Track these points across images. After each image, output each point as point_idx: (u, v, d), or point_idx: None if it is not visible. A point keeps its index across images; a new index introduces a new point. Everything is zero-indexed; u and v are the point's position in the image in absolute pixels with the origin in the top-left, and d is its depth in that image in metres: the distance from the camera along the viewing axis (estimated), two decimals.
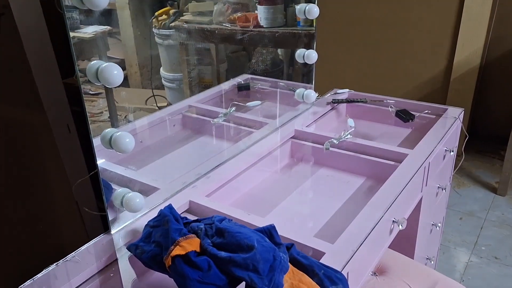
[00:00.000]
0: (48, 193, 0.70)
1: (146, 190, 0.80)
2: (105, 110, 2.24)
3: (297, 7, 1.05)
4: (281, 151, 0.99)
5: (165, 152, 1.03)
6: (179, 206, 0.74)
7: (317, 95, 1.14)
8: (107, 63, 0.58)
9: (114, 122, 2.25)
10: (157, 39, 2.13)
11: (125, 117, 2.60)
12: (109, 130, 0.64)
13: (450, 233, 1.66)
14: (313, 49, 1.10)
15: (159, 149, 1.04)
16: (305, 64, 1.10)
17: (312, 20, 1.13)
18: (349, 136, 0.97)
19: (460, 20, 1.97)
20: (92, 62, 0.59)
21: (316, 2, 1.06)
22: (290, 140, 1.02)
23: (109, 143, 0.63)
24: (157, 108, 2.58)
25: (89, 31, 2.14)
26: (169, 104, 2.65)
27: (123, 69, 2.34)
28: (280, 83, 1.29)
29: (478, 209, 1.79)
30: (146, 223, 0.63)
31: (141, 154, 1.02)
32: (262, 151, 0.94)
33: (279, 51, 1.91)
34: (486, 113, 2.24)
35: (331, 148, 0.95)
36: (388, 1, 1.97)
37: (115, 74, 0.58)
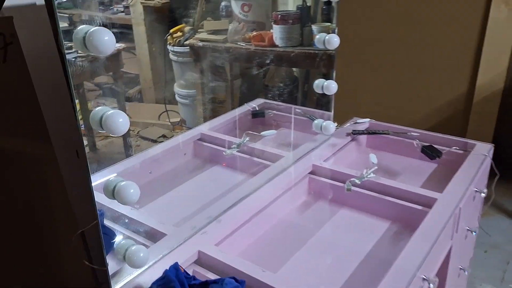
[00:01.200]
0: (50, 235, 0.64)
1: (152, 235, 0.74)
2: None
3: (317, 36, 0.99)
4: (298, 188, 0.93)
5: (174, 185, 0.97)
6: (187, 257, 0.68)
7: (336, 125, 1.08)
8: (112, 111, 0.53)
9: (126, 137, 2.20)
10: (171, 56, 2.09)
11: (138, 132, 2.55)
12: (113, 179, 0.58)
13: (475, 268, 1.57)
14: (333, 79, 1.04)
15: (168, 181, 0.99)
16: (324, 94, 1.04)
17: None
18: (372, 174, 0.90)
19: (483, 42, 1.89)
20: (96, 109, 0.54)
21: (336, 31, 1.00)
22: (308, 176, 0.95)
23: (112, 193, 0.58)
24: (169, 123, 2.54)
25: None
26: (182, 119, 2.60)
27: (136, 84, 2.30)
28: (297, 109, 1.23)
29: (503, 241, 1.70)
30: (150, 285, 0.57)
31: (149, 186, 0.96)
32: (277, 189, 0.88)
33: (294, 68, 1.86)
34: (509, 137, 2.14)
35: (353, 188, 0.88)
36: (407, 23, 1.90)
37: (120, 122, 0.53)
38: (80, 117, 1.72)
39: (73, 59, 1.72)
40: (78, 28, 0.50)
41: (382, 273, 0.65)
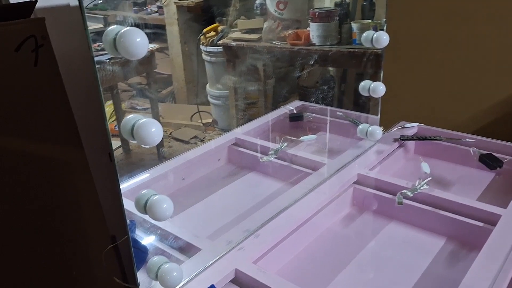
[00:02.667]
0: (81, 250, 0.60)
1: (185, 249, 0.69)
2: None
3: (364, 35, 0.91)
4: (341, 200, 0.85)
5: (207, 192, 0.92)
6: (223, 276, 0.62)
7: (382, 130, 1.00)
8: (144, 119, 0.47)
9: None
10: (204, 56, 2.04)
11: (170, 133, 2.53)
12: (145, 193, 0.53)
13: None
14: (380, 80, 0.96)
15: (202, 188, 0.94)
16: (369, 96, 0.96)
17: None
18: (425, 186, 0.81)
19: None
20: (128, 117, 0.49)
21: (385, 28, 0.92)
22: (352, 187, 0.88)
23: (144, 208, 0.53)
24: (201, 124, 2.51)
25: None
26: (214, 120, 2.57)
27: (169, 84, 2.27)
28: (338, 113, 1.16)
29: None
30: None
31: (181, 193, 0.92)
32: (320, 200, 0.81)
33: (331, 68, 1.77)
34: None
35: (404, 201, 0.80)
36: (457, 21, 1.77)
37: (153, 132, 0.47)
38: (113, 118, 1.69)
39: (107, 60, 1.69)
40: (109, 28, 0.45)
41: None
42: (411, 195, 0.80)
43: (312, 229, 0.78)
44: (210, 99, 2.34)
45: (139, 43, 0.44)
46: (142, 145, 0.48)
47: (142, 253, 0.62)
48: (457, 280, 0.61)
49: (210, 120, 2.48)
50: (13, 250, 0.59)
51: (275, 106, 2.05)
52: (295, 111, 1.17)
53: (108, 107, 2.20)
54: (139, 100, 2.53)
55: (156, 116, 2.15)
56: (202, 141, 2.34)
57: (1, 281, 0.59)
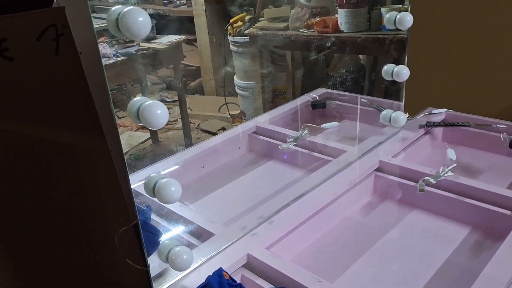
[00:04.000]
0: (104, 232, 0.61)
1: (200, 234, 0.70)
2: (179, 118, 2.18)
3: (387, 16, 0.88)
4: (362, 187, 0.83)
5: (226, 180, 0.92)
6: (235, 261, 0.62)
7: (407, 116, 0.96)
8: (150, 101, 0.48)
9: (186, 130, 2.19)
10: (231, 47, 2.04)
11: (198, 125, 2.54)
12: (154, 176, 0.54)
13: None
14: (404, 64, 0.92)
15: (221, 176, 0.94)
16: (394, 81, 0.93)
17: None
18: (449, 173, 0.78)
19: None
20: (134, 99, 0.49)
21: (409, 9, 0.88)
22: (374, 174, 0.85)
23: (153, 191, 0.53)
24: (229, 116, 2.50)
25: (164, 41, 2.09)
26: (242, 112, 2.56)
27: (198, 76, 2.27)
28: (362, 99, 1.12)
29: None
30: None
31: (201, 181, 0.92)
32: (338, 187, 0.79)
33: (361, 56, 1.73)
34: None
35: (426, 188, 0.77)
36: (489, 2, 1.68)
37: (158, 114, 0.47)
38: None
39: (134, 52, 1.71)
40: (112, 9, 0.45)
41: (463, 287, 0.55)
42: (434, 182, 0.77)
43: (330, 216, 0.77)
44: (237, 90, 2.35)
45: (141, 22, 0.44)
46: (149, 127, 0.48)
47: (155, 236, 0.63)
48: (480, 271, 0.58)
49: (238, 112, 2.49)
50: (36, 238, 0.61)
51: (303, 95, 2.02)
52: (318, 99, 1.15)
53: None
54: (168, 92, 2.57)
55: (184, 109, 2.17)
56: None
57: (25, 266, 0.61)
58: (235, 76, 2.31)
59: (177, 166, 0.90)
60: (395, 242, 0.72)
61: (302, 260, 0.69)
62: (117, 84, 2.00)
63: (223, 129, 2.22)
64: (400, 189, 0.82)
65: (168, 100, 2.37)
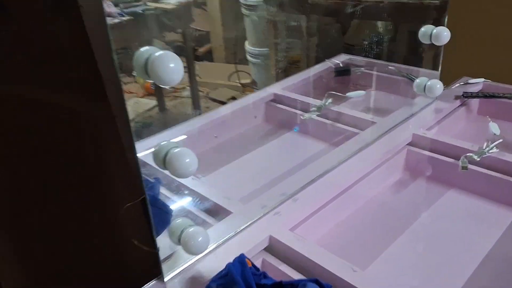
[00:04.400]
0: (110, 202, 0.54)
1: (215, 212, 0.62)
2: (188, 86, 2.09)
3: None
4: (392, 163, 0.75)
5: (242, 152, 0.84)
6: (256, 243, 0.55)
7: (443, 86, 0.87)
8: (161, 52, 0.39)
9: (194, 98, 2.10)
10: (243, 10, 1.91)
11: (207, 93, 2.45)
12: (164, 145, 0.46)
13: None
14: (444, 25, 0.82)
15: (236, 147, 0.86)
16: (432, 45, 0.82)
17: None
18: (494, 149, 0.69)
19: None
20: (141, 49, 0.40)
21: None
22: (406, 149, 0.77)
23: (163, 162, 0.45)
24: (239, 84, 2.40)
25: (172, 1, 1.96)
26: (253, 81, 2.45)
27: (207, 41, 2.15)
28: (390, 67, 1.03)
29: None
30: (208, 283, 0.44)
31: (213, 152, 0.84)
32: (367, 163, 0.71)
33: (379, 23, 1.61)
34: None
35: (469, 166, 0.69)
36: None
37: (171, 68, 0.39)
38: None
39: (141, 11, 1.59)
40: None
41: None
42: (478, 159, 0.68)
43: (358, 195, 0.69)
44: (249, 58, 2.23)
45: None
46: (160, 85, 0.40)
47: (166, 214, 0.55)
48: None
49: (249, 81, 2.38)
50: (39, 204, 0.54)
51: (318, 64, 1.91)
52: (341, 65, 1.05)
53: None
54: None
55: (192, 76, 2.07)
56: None
57: (27, 234, 0.54)
58: (246, 42, 2.20)
59: (185, 136, 0.82)
60: (431, 226, 0.64)
61: (328, 244, 0.61)
62: (121, 47, 1.90)
63: (233, 98, 2.13)
64: (436, 165, 0.74)
65: None
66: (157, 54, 0.38)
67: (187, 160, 0.44)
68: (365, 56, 1.13)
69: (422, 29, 0.81)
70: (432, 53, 0.87)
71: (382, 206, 0.69)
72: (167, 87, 0.39)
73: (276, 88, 0.96)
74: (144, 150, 0.56)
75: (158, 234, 0.54)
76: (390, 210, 0.68)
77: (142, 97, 2.30)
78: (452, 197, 0.70)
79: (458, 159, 0.71)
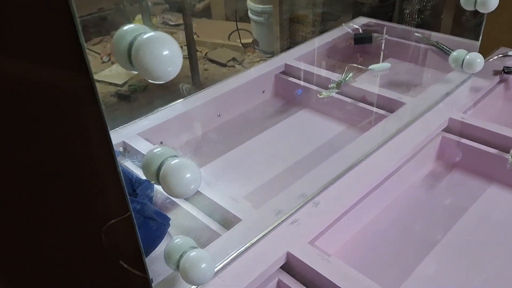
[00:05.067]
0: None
1: (220, 217, 0.52)
2: (185, 45, 1.92)
3: None
4: (424, 153, 0.64)
5: (248, 134, 0.73)
6: (272, 262, 0.45)
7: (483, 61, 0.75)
8: (150, 33, 0.27)
9: (192, 59, 1.94)
10: None
11: (205, 54, 2.28)
12: (159, 153, 0.35)
13: None
14: None
15: (241, 128, 0.75)
16: (475, 12, 0.70)
17: None
18: None
19: None
20: (124, 28, 0.28)
21: None
22: (441, 135, 0.66)
23: (157, 177, 0.34)
24: (240, 45, 2.23)
25: None
26: (255, 41, 2.28)
27: None
28: (416, 33, 0.90)
29: None
30: None
31: (216, 135, 0.73)
32: (398, 155, 0.60)
33: None
34: None
35: None
36: None
37: (164, 56, 0.27)
38: None
39: None
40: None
41: None
42: None
43: (385, 194, 0.59)
44: (250, 15, 2.06)
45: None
46: (150, 80, 0.28)
47: (162, 225, 0.45)
48: None
49: (250, 40, 2.21)
50: (15, 196, 0.43)
51: (324, 25, 1.76)
52: (361, 31, 0.92)
53: (138, 22, 1.95)
54: (172, 15, 2.27)
55: (190, 34, 1.91)
56: (241, 64, 2.11)
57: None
58: None
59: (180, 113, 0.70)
60: (472, 231, 0.55)
61: (352, 256, 0.52)
62: (114, 3, 1.73)
63: (234, 59, 1.99)
64: (477, 157, 0.63)
65: (171, 23, 2.10)
66: (145, 37, 0.27)
67: (188, 175, 0.33)
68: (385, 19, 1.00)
69: None
70: (472, 20, 0.74)
71: (412, 206, 0.59)
72: (159, 82, 0.28)
73: (288, 58, 0.84)
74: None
75: (154, 248, 0.44)
76: (422, 212, 0.58)
77: None
78: (494, 195, 0.60)
79: (503, 150, 0.61)
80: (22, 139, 0.37)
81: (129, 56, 0.27)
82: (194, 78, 1.82)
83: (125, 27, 0.28)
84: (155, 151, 0.35)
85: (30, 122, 0.36)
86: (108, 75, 1.65)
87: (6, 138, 0.37)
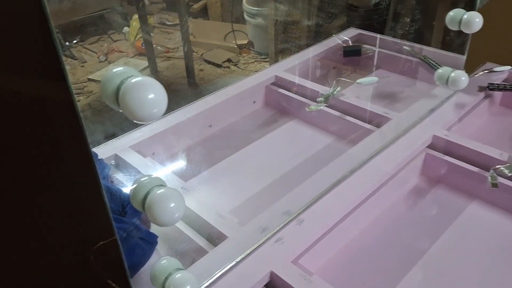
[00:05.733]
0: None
1: (206, 233, 0.54)
2: (181, 46, 1.92)
3: None
4: (409, 168, 0.66)
5: (238, 145, 0.74)
6: (255, 281, 0.47)
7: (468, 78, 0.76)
8: (136, 79, 0.28)
9: (188, 60, 1.94)
10: None
11: (201, 55, 2.28)
12: (146, 182, 0.36)
13: None
14: (476, 9, 0.70)
15: (231, 139, 0.76)
16: (459, 32, 0.71)
17: None
18: None
19: None
20: (113, 70, 0.30)
21: None
22: (425, 152, 0.68)
23: (142, 205, 0.36)
24: (236, 46, 2.24)
25: None
26: (250, 42, 2.29)
27: None
28: (405, 47, 0.91)
29: None
30: None
31: (206, 146, 0.75)
32: (383, 171, 0.62)
33: None
34: None
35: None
36: None
37: (149, 100, 0.28)
38: (139, 35, 1.47)
39: None
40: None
41: None
42: (510, 174, 0.60)
43: (369, 210, 0.60)
44: (246, 17, 2.07)
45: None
46: (134, 120, 0.30)
47: (149, 244, 0.47)
48: None
49: (246, 42, 2.22)
50: None
51: (319, 27, 1.77)
52: (350, 43, 0.94)
53: (135, 23, 1.94)
54: (169, 14, 2.27)
55: (186, 35, 1.91)
56: (236, 65, 2.11)
57: None
58: (244, 1, 2.03)
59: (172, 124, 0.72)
60: (455, 247, 0.57)
61: (336, 274, 0.54)
62: (112, 2, 1.74)
63: (229, 60, 2.00)
64: (459, 174, 0.65)
65: (168, 23, 2.10)
66: (132, 81, 0.28)
67: (172, 204, 0.35)
68: (364, 25, 1.02)
69: (451, 13, 0.70)
70: (458, 35, 0.76)
71: (395, 222, 0.61)
72: (143, 123, 0.29)
73: (278, 69, 0.85)
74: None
75: (141, 266, 0.46)
76: (405, 228, 0.60)
77: (132, 56, 2.15)
78: (475, 212, 0.62)
79: (484, 168, 0.63)
80: None
81: (116, 98, 0.29)
82: (189, 78, 1.83)
83: (114, 70, 0.29)
84: (142, 179, 0.36)
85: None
86: None
87: None
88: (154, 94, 0.29)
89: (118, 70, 0.29)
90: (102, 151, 0.64)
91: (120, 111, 0.29)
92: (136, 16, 1.82)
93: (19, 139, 0.36)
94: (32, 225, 0.42)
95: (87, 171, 0.30)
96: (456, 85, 0.73)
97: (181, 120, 0.73)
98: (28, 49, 0.33)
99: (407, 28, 1.34)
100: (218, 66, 2.00)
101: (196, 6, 2.24)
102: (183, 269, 0.41)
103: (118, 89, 0.29)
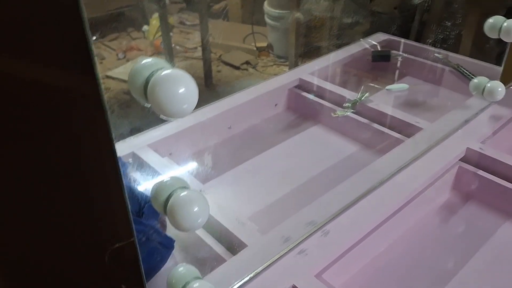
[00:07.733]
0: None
1: (225, 240, 0.51)
2: (200, 46, 1.91)
3: None
4: (439, 184, 0.62)
5: (259, 149, 0.72)
6: None
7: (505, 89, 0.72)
8: (167, 71, 0.26)
9: (206, 61, 1.92)
10: None
11: (220, 56, 2.26)
12: (168, 184, 0.33)
13: None
14: None
15: (251, 142, 0.73)
16: (499, 40, 0.67)
17: None
18: None
19: None
20: (142, 62, 0.27)
21: None
22: (458, 165, 0.64)
23: (164, 208, 0.33)
24: (255, 48, 2.21)
25: None
26: (269, 45, 2.26)
27: None
28: (436, 54, 0.88)
29: None
30: None
31: (225, 148, 0.72)
32: (413, 184, 0.58)
33: None
34: None
35: None
36: None
37: (179, 94, 0.26)
38: (159, 34, 1.45)
39: None
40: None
41: None
42: None
43: (397, 224, 0.57)
44: (267, 20, 2.04)
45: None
46: (163, 116, 0.27)
47: (166, 249, 0.44)
48: None
49: (265, 44, 2.19)
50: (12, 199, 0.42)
51: (341, 33, 1.73)
52: (379, 48, 0.90)
53: (154, 21, 1.93)
54: (189, 14, 2.26)
55: (205, 34, 1.89)
56: (254, 67, 2.08)
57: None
58: (265, 3, 2.01)
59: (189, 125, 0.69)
60: (488, 271, 0.53)
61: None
62: (132, 0, 1.73)
63: (247, 63, 1.97)
64: (494, 190, 0.61)
65: (187, 23, 2.09)
66: (162, 74, 0.25)
67: (195, 209, 0.32)
68: (400, 34, 0.98)
69: (490, 20, 0.66)
70: (501, 46, 0.72)
71: (424, 238, 0.57)
72: (172, 119, 0.27)
73: (302, 72, 0.82)
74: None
75: (156, 271, 0.43)
76: (435, 245, 0.56)
77: (151, 55, 2.14)
78: (510, 232, 0.58)
79: None
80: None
81: (145, 91, 0.26)
82: (207, 79, 1.81)
83: (143, 61, 0.26)
84: (165, 180, 0.34)
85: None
86: (123, 72, 1.65)
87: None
88: (184, 89, 0.26)
89: (148, 62, 0.26)
90: (120, 148, 0.61)
91: (148, 105, 0.27)
92: (156, 15, 1.81)
93: (44, 131, 0.34)
94: (49, 221, 0.39)
95: (110, 167, 0.27)
96: (493, 96, 0.69)
97: (200, 120, 0.70)
98: (60, 40, 0.31)
99: (434, 36, 1.30)
100: (236, 68, 1.98)
101: (216, 6, 2.22)
102: (201, 278, 0.39)
103: (147, 81, 0.26)
